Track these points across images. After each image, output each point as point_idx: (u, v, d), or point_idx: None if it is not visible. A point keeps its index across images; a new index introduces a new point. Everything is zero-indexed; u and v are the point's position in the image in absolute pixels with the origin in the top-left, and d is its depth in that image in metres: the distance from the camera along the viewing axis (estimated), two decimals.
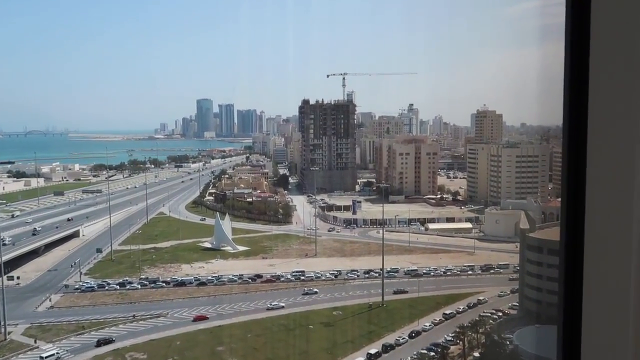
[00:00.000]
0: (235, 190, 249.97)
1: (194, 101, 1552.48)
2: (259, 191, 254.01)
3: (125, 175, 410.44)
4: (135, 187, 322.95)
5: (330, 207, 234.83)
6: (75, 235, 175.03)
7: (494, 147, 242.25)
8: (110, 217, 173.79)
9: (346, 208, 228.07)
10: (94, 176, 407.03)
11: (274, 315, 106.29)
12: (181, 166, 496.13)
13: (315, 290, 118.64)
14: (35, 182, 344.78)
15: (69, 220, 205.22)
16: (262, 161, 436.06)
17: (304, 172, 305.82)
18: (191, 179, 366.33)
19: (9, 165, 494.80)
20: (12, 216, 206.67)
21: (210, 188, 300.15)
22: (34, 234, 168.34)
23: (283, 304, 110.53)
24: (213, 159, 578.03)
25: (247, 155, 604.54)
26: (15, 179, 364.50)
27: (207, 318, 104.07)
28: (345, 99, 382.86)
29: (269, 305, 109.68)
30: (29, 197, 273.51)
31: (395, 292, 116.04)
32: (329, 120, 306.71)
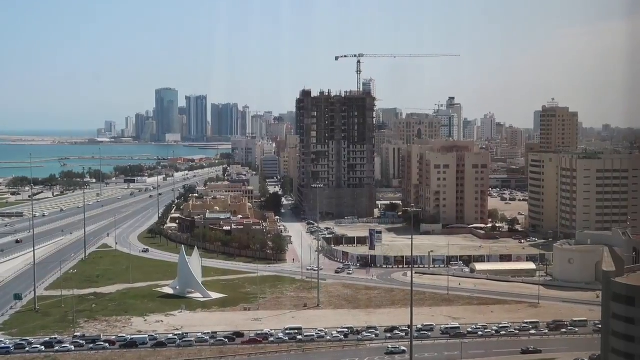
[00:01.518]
0: (208, 215, 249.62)
1: (152, 91, 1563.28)
2: (240, 216, 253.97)
3: (56, 193, 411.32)
4: (71, 208, 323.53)
5: (339, 240, 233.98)
6: None
7: (566, 157, 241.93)
8: (34, 250, 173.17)
9: (361, 241, 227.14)
10: (13, 193, 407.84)
11: None
12: (133, 181, 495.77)
13: (402, 348, 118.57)
14: None
15: (17, 242, 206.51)
16: (244, 175, 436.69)
17: (303, 191, 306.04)
18: (150, 197, 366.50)
19: None
20: None
21: (173, 211, 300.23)
22: None
23: None
24: (178, 171, 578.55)
25: (225, 166, 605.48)
26: None
27: None
28: (361, 89, 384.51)
29: None
30: None
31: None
32: (339, 119, 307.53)
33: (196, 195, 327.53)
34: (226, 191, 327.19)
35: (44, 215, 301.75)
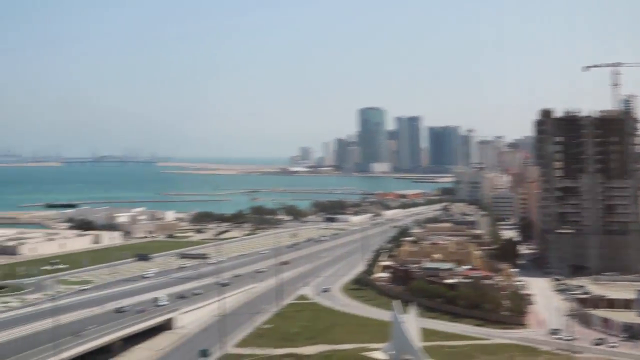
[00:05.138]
0: (426, 264, 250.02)
1: (353, 112, 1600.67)
2: (466, 267, 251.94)
3: (245, 232, 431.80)
4: (261, 251, 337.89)
5: (597, 301, 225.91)
6: (166, 326, 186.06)
7: None
8: (221, 299, 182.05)
9: (625, 304, 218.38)
10: (198, 231, 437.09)
11: None
12: (334, 219, 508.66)
13: None
14: (107, 238, 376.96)
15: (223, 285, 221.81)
16: (470, 214, 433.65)
17: (547, 237, 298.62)
18: (351, 240, 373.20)
19: (69, 210, 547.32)
20: (80, 290, 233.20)
21: (382, 258, 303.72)
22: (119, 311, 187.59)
23: None
24: (388, 209, 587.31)
25: (445, 204, 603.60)
26: (79, 231, 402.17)
27: None
28: (618, 107, 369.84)
29: None
30: (98, 261, 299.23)
31: None
32: (590, 146, 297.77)
33: (411, 238, 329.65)
34: (448, 234, 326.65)
35: (260, 251, 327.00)
